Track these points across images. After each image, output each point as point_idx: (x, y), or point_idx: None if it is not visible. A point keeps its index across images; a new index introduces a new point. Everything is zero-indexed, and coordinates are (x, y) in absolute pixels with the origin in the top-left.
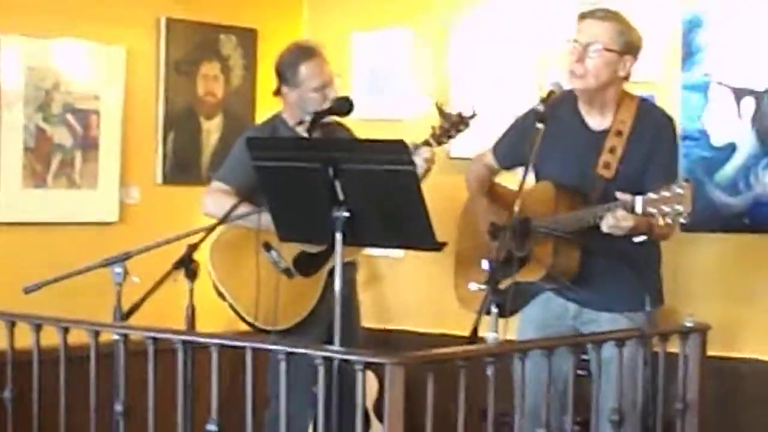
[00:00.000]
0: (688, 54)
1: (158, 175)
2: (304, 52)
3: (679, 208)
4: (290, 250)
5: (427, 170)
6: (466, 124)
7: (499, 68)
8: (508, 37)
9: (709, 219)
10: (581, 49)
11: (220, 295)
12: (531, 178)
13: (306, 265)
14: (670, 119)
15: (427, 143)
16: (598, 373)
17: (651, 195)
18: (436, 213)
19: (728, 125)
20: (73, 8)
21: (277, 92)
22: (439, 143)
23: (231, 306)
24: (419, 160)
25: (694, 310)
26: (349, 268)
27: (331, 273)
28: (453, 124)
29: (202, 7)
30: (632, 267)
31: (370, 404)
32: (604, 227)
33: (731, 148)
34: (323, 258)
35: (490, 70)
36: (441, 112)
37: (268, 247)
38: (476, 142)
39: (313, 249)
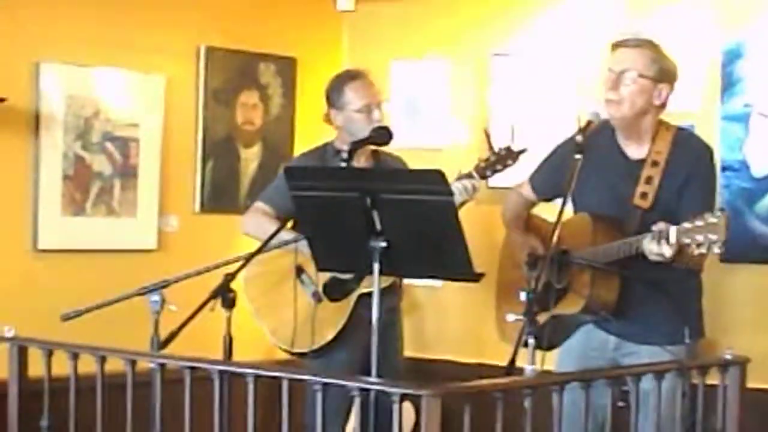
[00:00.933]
0: (728, 84)
1: (197, 203)
2: (349, 75)
3: (713, 237)
4: (322, 275)
5: (464, 201)
6: (515, 159)
7: (539, 98)
8: (548, 66)
9: (749, 250)
10: (615, 77)
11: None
12: (569, 208)
13: (335, 290)
14: (708, 148)
15: (470, 175)
16: (637, 406)
17: (685, 225)
18: (474, 243)
19: None
20: (113, 37)
21: (327, 117)
22: (483, 176)
23: (266, 332)
24: (458, 188)
25: (734, 341)
26: (388, 295)
27: (361, 298)
28: (500, 158)
29: (241, 35)
30: (672, 299)
31: None
32: (648, 252)
33: None
34: (354, 283)
35: (530, 100)
36: (490, 145)
37: (299, 271)
38: (516, 172)
39: (344, 275)
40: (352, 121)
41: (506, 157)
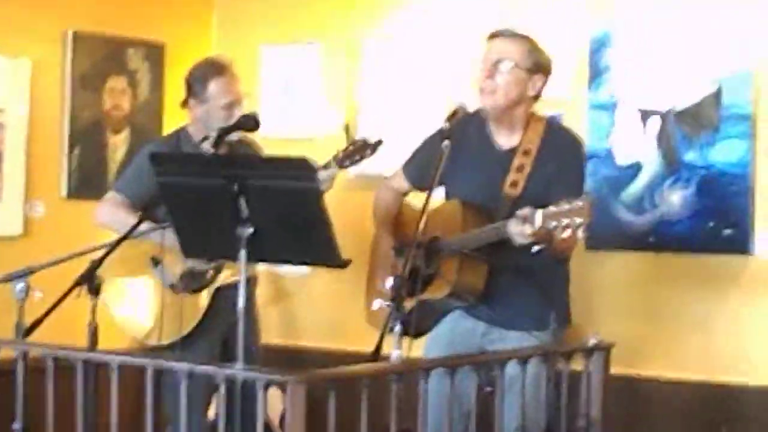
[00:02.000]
0: (596, 74)
1: (63, 189)
2: (214, 68)
3: (578, 220)
4: (178, 266)
5: (324, 191)
6: (373, 151)
7: (410, 86)
8: (420, 53)
9: (614, 237)
10: (491, 65)
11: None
12: (442, 197)
13: (192, 282)
14: (578, 140)
15: (326, 166)
16: (502, 391)
17: (551, 208)
18: (341, 230)
19: (634, 144)
20: None
21: (185, 105)
22: (342, 167)
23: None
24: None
25: (600, 328)
26: (248, 285)
27: (218, 290)
28: (357, 149)
29: (109, 20)
30: (539, 285)
31: (276, 419)
32: (512, 235)
33: (637, 168)
34: (211, 275)
35: (401, 88)
36: (348, 135)
37: (155, 262)
38: (386, 160)
39: (200, 266)
40: (213, 115)
41: (363, 148)
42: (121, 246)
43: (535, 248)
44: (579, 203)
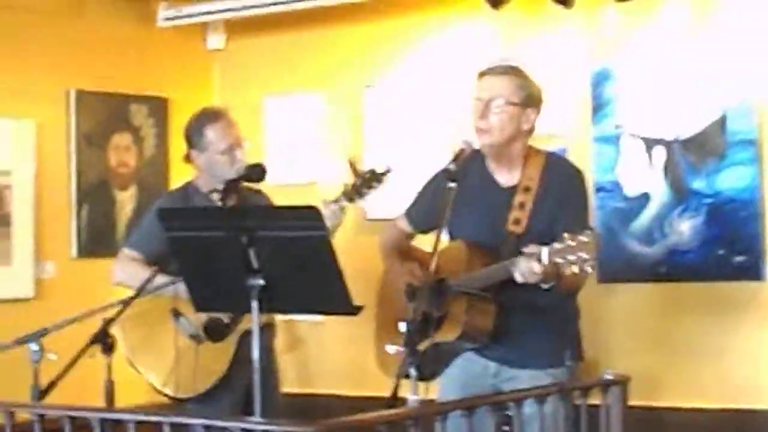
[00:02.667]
0: (598, 106)
1: (73, 249)
2: (209, 116)
3: (585, 255)
4: (199, 317)
5: (334, 228)
6: (380, 181)
7: (413, 130)
8: (421, 97)
9: (626, 269)
10: (483, 105)
11: (132, 365)
12: (446, 238)
13: (215, 331)
14: (578, 171)
15: (337, 200)
16: (520, 431)
17: (556, 245)
18: (352, 276)
19: (641, 175)
20: None
21: (187, 158)
22: (351, 200)
23: (145, 378)
24: (326, 214)
25: (615, 360)
26: (266, 333)
27: (242, 338)
28: (365, 181)
29: (111, 77)
30: (550, 322)
31: None
32: (517, 275)
33: (645, 198)
34: (233, 323)
35: (404, 132)
36: (353, 168)
37: (176, 314)
38: (393, 204)
39: (223, 315)
40: (215, 162)
41: (371, 179)
42: (141, 301)
43: (545, 286)
44: (584, 239)
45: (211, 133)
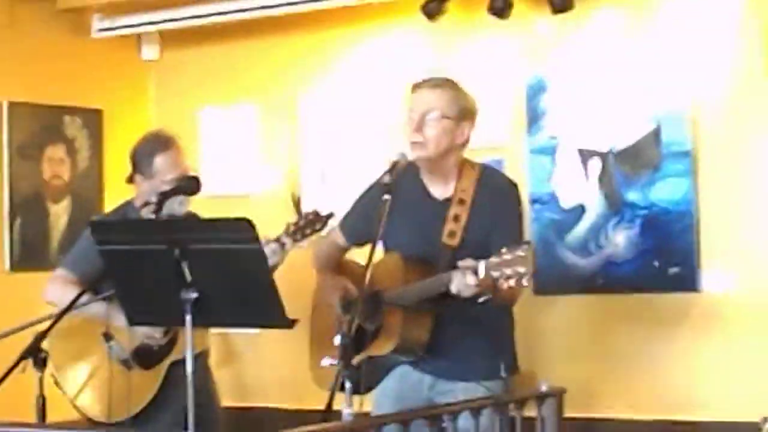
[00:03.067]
0: (534, 118)
1: (6, 262)
2: (160, 143)
3: (521, 270)
4: (131, 341)
5: (275, 265)
6: (324, 224)
7: (348, 140)
8: (356, 108)
9: (562, 281)
10: (419, 118)
11: (57, 385)
12: (381, 250)
13: (146, 357)
14: (512, 184)
15: (278, 239)
16: None
17: (493, 259)
18: (287, 289)
19: (576, 187)
20: None
21: (130, 180)
22: (294, 240)
23: (68, 397)
24: (267, 252)
25: (552, 372)
26: (200, 357)
27: (174, 365)
28: (308, 223)
29: (44, 89)
30: (485, 334)
31: None
32: (453, 288)
33: (580, 210)
34: (165, 350)
35: (339, 143)
36: (298, 208)
37: (108, 337)
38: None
39: (153, 341)
40: (159, 190)
41: (314, 221)
42: (72, 322)
43: (481, 299)
44: (520, 253)
45: (161, 162)
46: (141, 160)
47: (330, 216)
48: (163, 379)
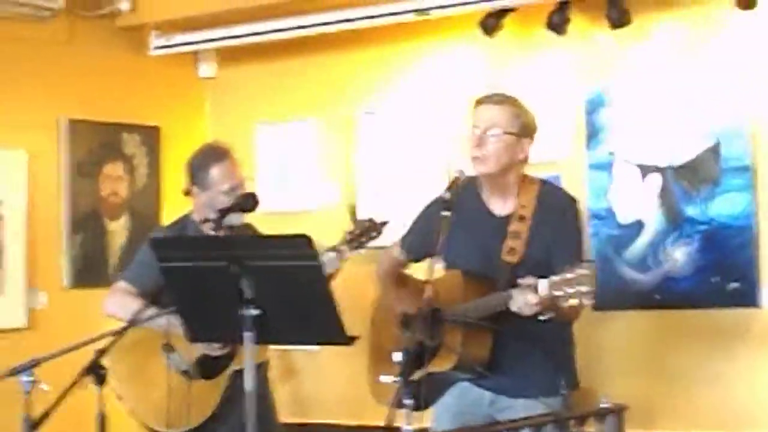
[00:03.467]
0: (592, 133)
1: (66, 278)
2: (214, 154)
3: (583, 288)
4: (192, 353)
5: (332, 273)
6: (379, 231)
7: (407, 156)
8: (415, 123)
9: (620, 297)
10: (480, 134)
11: (119, 398)
12: (441, 266)
13: (207, 368)
14: (572, 200)
15: (335, 248)
16: None
17: (554, 278)
18: (346, 306)
19: (635, 202)
20: None
21: (187, 193)
22: (351, 249)
23: (129, 409)
24: (324, 261)
25: (610, 388)
26: (261, 368)
27: (235, 375)
28: (365, 231)
29: (103, 106)
30: (545, 351)
31: None
32: (513, 307)
33: (639, 225)
34: (226, 360)
35: (398, 158)
36: (353, 217)
37: (168, 349)
38: (385, 232)
39: (215, 352)
40: (215, 201)
41: (370, 230)
42: (132, 335)
43: (543, 317)
44: (583, 271)
45: (216, 173)
46: (196, 171)
47: (385, 223)
48: (225, 389)
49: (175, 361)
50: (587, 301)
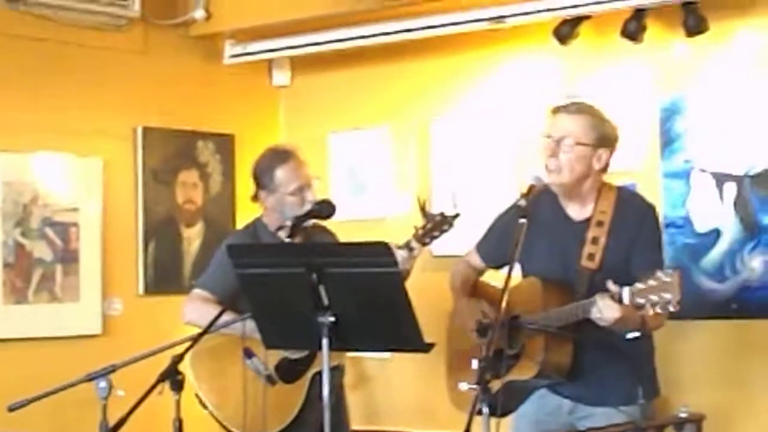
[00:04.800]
0: (668, 141)
1: (140, 285)
2: (278, 156)
3: (667, 296)
4: (272, 357)
5: (406, 272)
6: (450, 224)
7: (480, 163)
8: (489, 131)
9: (696, 306)
10: (554, 144)
11: (202, 404)
12: (517, 273)
13: (288, 372)
14: (650, 206)
15: (407, 244)
16: None
17: (638, 285)
18: (422, 312)
19: (711, 211)
20: (49, 122)
21: (255, 198)
22: (423, 244)
23: (212, 415)
24: (398, 258)
25: (686, 398)
26: (336, 372)
27: (315, 378)
28: (436, 225)
29: (178, 114)
30: (625, 359)
31: None
32: (594, 315)
33: (716, 234)
34: (306, 363)
35: (471, 166)
36: (424, 211)
37: (249, 354)
38: (459, 240)
39: (295, 354)
40: (284, 203)
41: (441, 223)
42: (213, 340)
43: (630, 335)
44: (666, 279)
45: (281, 174)
46: (262, 174)
47: (456, 216)
48: (307, 392)
49: (256, 365)
50: (672, 309)
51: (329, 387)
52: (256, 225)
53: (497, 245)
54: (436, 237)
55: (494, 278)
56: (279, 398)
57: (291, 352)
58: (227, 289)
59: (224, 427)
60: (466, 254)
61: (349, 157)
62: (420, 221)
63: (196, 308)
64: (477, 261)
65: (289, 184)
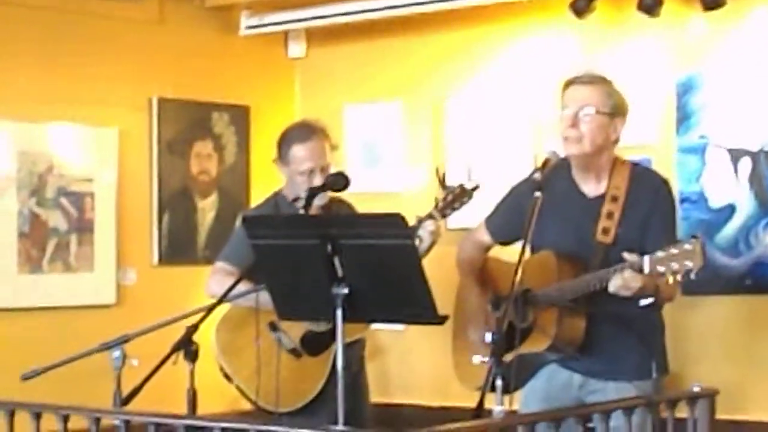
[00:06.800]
0: (684, 117)
1: (155, 255)
2: (301, 133)
3: (689, 264)
4: (297, 330)
5: (433, 243)
6: (470, 196)
7: (494, 138)
8: (502, 106)
9: (710, 281)
10: (573, 114)
11: (227, 377)
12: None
13: (313, 344)
14: (664, 181)
15: (431, 216)
16: None
17: (659, 253)
18: (436, 285)
19: (726, 187)
20: (64, 92)
21: (275, 162)
22: (443, 216)
23: (237, 387)
24: (424, 233)
25: (699, 374)
26: (357, 345)
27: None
28: (456, 197)
29: (193, 85)
30: (637, 334)
31: None
32: (612, 288)
33: (730, 210)
34: (331, 336)
35: (485, 140)
36: (443, 183)
37: (274, 327)
38: (472, 213)
39: (320, 327)
40: (293, 178)
41: (461, 195)
42: (238, 312)
43: (644, 302)
44: (688, 247)
45: (296, 152)
46: (281, 146)
47: (476, 188)
48: (332, 365)
49: (282, 339)
50: (693, 277)
51: (351, 360)
52: (276, 197)
53: (508, 220)
54: (456, 209)
55: (501, 254)
56: (304, 371)
57: (316, 325)
58: (249, 261)
59: (250, 400)
60: (474, 229)
61: (364, 129)
62: (435, 195)
63: (218, 282)
64: (485, 237)
65: (301, 164)
